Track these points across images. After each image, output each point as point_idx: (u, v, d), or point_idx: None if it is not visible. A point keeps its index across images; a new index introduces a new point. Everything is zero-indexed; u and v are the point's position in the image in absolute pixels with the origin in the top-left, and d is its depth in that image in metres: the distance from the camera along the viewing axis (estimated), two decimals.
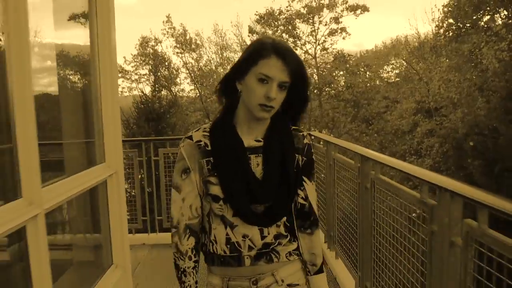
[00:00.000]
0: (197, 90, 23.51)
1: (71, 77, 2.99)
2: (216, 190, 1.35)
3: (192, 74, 23.42)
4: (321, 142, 4.38)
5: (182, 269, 1.41)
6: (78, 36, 2.71)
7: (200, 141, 1.38)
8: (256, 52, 1.29)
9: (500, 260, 1.45)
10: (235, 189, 1.33)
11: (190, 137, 1.39)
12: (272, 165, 1.35)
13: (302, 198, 1.44)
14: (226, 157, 1.34)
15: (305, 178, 1.44)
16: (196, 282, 1.42)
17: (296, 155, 1.41)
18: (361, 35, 46.47)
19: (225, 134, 1.36)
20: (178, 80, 23.67)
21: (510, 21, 16.64)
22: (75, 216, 2.75)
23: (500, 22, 17.83)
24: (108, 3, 2.53)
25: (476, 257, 1.57)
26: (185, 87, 24.26)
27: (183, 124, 19.28)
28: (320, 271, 1.48)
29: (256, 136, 1.38)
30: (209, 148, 1.36)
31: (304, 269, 1.48)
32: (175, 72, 23.23)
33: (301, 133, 1.44)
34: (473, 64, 18.75)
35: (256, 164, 1.36)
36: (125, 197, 2.76)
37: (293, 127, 1.43)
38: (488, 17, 18.28)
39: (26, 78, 1.59)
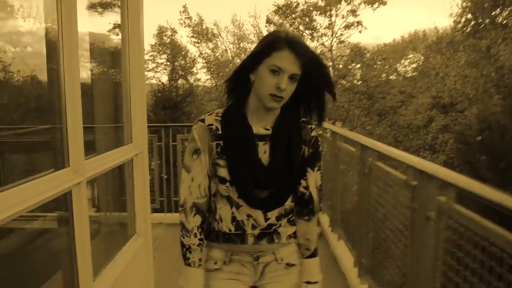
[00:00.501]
0: (213, 80, 23.78)
1: (104, 68, 3.31)
2: (223, 172, 1.41)
3: (208, 64, 23.66)
4: (328, 131, 4.69)
5: (187, 246, 1.46)
6: (108, 25, 3.01)
7: (212, 124, 1.44)
8: (270, 44, 1.34)
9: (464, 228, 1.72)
10: (241, 173, 1.39)
11: (203, 120, 1.45)
12: (278, 153, 1.41)
13: (303, 187, 1.51)
14: (235, 141, 1.40)
15: (308, 169, 1.50)
16: (200, 260, 1.47)
17: (303, 146, 1.47)
18: (380, 28, 45.87)
19: (236, 120, 1.42)
20: (194, 69, 23.93)
21: None
22: (105, 190, 3.09)
23: None
24: None
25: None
26: (202, 76, 24.59)
27: (198, 112, 19.66)
28: (313, 255, 1.57)
29: (265, 125, 1.44)
30: (220, 132, 1.42)
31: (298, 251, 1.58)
32: (191, 62, 23.49)
33: (310, 126, 1.50)
34: (490, 61, 18.66)
35: (263, 152, 1.42)
36: (148, 174, 3.10)
37: (303, 119, 1.49)
38: (506, 13, 18.13)
39: (75, 69, 1.90)
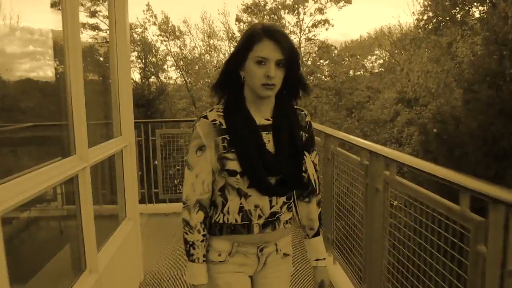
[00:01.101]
0: (182, 78, 23.92)
1: (96, 67, 3.60)
2: (233, 165, 1.43)
3: (177, 62, 23.77)
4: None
5: (191, 242, 1.49)
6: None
7: (215, 120, 1.46)
8: (249, 38, 1.40)
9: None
10: (253, 163, 1.42)
11: (205, 117, 1.48)
12: (282, 140, 1.47)
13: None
14: (242, 134, 1.43)
15: (305, 152, 1.57)
16: (204, 255, 1.50)
17: (300, 131, 1.55)
18: (348, 25, 47.14)
19: (239, 114, 1.46)
20: (165, 66, 23.98)
21: (485, 16, 17.42)
22: (99, 178, 3.40)
23: (477, 16, 18.62)
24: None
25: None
26: (172, 74, 24.65)
27: (170, 110, 19.81)
28: (317, 234, 1.66)
29: (264, 115, 1.49)
30: (224, 126, 1.45)
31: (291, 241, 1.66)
32: (162, 59, 23.54)
33: (303, 112, 1.59)
34: (450, 57, 19.52)
35: (268, 141, 1.47)
36: (135, 164, 3.42)
37: (296, 107, 1.57)
38: (464, 11, 19.02)
39: (78, 71, 2.21)
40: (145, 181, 5.58)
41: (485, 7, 17.81)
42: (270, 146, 1.46)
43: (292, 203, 1.60)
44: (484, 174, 10.44)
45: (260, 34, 1.38)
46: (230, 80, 1.48)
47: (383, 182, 2.43)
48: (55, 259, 2.42)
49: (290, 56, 1.39)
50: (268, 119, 1.49)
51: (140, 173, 5.72)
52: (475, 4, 18.74)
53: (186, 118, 15.77)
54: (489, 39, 14.08)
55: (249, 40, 1.40)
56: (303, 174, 1.55)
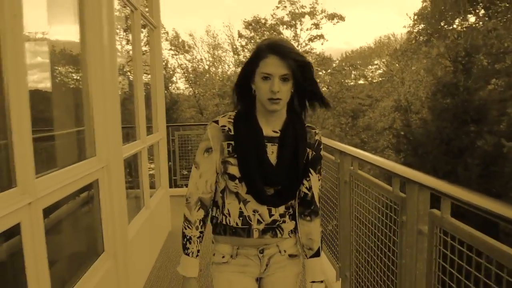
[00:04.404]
0: (191, 88, 25.49)
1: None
2: (233, 170, 1.49)
3: (186, 74, 25.16)
4: None
5: (188, 237, 1.55)
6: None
7: (225, 126, 1.51)
8: (256, 55, 1.44)
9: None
10: (251, 170, 1.47)
11: (217, 121, 1.52)
12: (285, 153, 1.49)
13: (306, 188, 1.59)
14: (246, 141, 1.48)
15: (311, 171, 1.58)
16: (198, 251, 1.57)
17: (308, 149, 1.56)
18: (352, 33, 47.90)
19: (247, 122, 1.50)
20: (174, 78, 25.52)
21: (464, 28, 19.04)
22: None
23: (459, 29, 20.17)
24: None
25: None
26: (180, 85, 26.18)
27: (180, 119, 21.46)
28: (316, 255, 1.64)
29: (273, 127, 1.52)
30: (232, 133, 1.50)
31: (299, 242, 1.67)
32: (171, 72, 25.12)
33: (314, 130, 1.59)
34: (441, 67, 21.00)
35: (271, 152, 1.50)
36: (165, 151, 5.08)
37: (307, 125, 1.57)
38: (447, 25, 20.57)
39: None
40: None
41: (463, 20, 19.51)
42: (273, 157, 1.50)
43: (295, 216, 1.64)
44: (442, 169, 12.76)
45: (265, 50, 1.42)
46: (242, 92, 1.54)
47: (349, 176, 2.95)
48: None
49: (297, 70, 1.41)
50: (276, 132, 1.52)
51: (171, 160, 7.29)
52: (459, 17, 20.31)
53: (197, 123, 17.73)
54: (444, 55, 16.60)
55: (255, 56, 1.44)
56: (307, 191, 1.60)
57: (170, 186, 7.14)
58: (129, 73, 4.60)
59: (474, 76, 15.20)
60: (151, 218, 4.09)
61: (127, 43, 4.88)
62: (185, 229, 1.56)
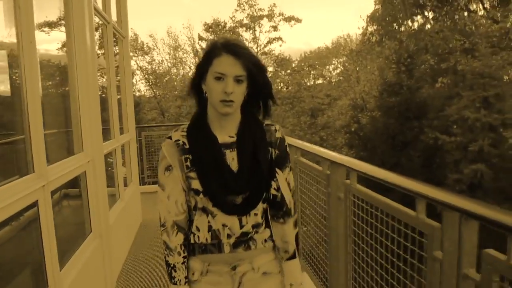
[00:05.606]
0: (151, 90, 25.65)
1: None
2: (196, 184, 1.43)
3: (146, 76, 25.23)
4: None
5: (172, 265, 1.49)
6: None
7: (179, 140, 1.46)
8: (209, 52, 1.38)
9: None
10: (212, 182, 1.41)
11: (170, 137, 1.48)
12: (245, 158, 1.43)
13: (274, 189, 1.52)
14: (202, 153, 1.42)
15: (277, 170, 1.51)
16: (186, 277, 1.50)
17: (270, 148, 1.49)
18: (312, 33, 49.46)
19: (200, 132, 1.44)
20: (134, 81, 25.55)
21: (413, 31, 20.31)
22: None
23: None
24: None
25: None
26: (141, 87, 26.23)
27: (143, 121, 21.65)
28: (292, 257, 1.57)
29: (229, 132, 1.45)
30: (187, 146, 1.45)
31: (278, 258, 1.59)
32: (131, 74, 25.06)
33: (273, 127, 1.51)
34: (392, 67, 22.19)
35: (232, 159, 1.44)
36: (135, 150, 5.56)
37: (266, 123, 1.51)
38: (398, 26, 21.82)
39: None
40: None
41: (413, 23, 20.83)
42: (234, 164, 1.44)
43: (269, 221, 1.58)
44: (389, 161, 13.97)
45: (219, 48, 1.36)
46: (195, 94, 1.48)
47: (294, 163, 2.94)
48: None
49: (252, 71, 1.36)
50: (232, 136, 1.46)
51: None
52: (408, 20, 21.58)
53: (162, 124, 18.13)
54: (388, 58, 18.17)
55: (209, 54, 1.39)
56: (276, 192, 1.53)
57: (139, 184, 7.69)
58: (103, 78, 5.04)
59: (416, 77, 16.72)
60: (126, 209, 4.59)
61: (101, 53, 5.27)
62: (168, 256, 1.50)
